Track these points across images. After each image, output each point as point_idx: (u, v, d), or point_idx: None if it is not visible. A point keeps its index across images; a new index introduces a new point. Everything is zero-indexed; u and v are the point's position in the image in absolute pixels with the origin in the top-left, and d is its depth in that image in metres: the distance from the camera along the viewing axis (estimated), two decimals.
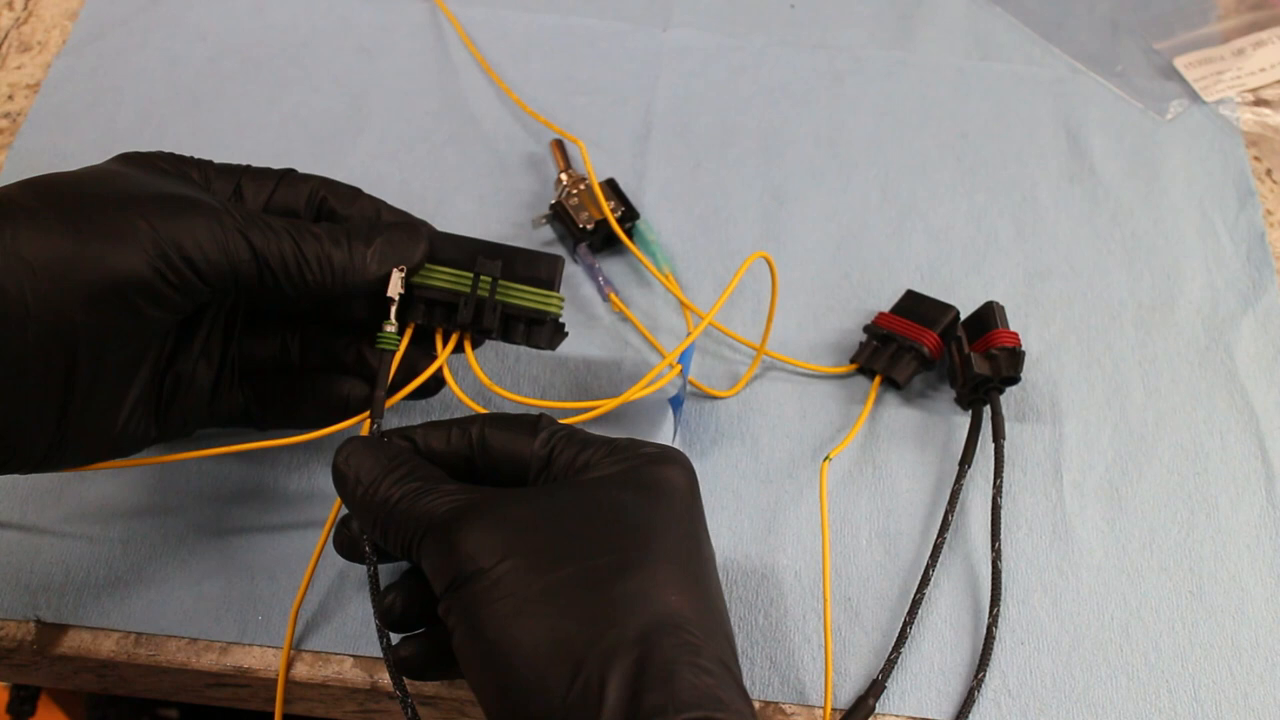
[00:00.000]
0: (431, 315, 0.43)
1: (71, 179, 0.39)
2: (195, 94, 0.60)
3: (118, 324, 0.37)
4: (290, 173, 0.44)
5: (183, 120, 0.58)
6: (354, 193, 0.44)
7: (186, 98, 0.59)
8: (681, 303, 0.52)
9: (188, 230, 0.37)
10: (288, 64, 0.61)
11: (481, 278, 0.43)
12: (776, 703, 0.44)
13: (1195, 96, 0.63)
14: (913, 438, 0.50)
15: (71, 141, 0.57)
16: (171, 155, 0.42)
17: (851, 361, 0.52)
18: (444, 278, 0.42)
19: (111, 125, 0.58)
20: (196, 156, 0.43)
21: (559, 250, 0.55)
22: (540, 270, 0.43)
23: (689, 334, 0.53)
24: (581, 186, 0.54)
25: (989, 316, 0.51)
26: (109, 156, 0.55)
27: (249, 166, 0.44)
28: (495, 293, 0.43)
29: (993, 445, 0.49)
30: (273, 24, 0.63)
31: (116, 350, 0.38)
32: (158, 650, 0.43)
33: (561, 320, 0.44)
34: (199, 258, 0.37)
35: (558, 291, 0.43)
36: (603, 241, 0.53)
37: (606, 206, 0.53)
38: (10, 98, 0.59)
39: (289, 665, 0.43)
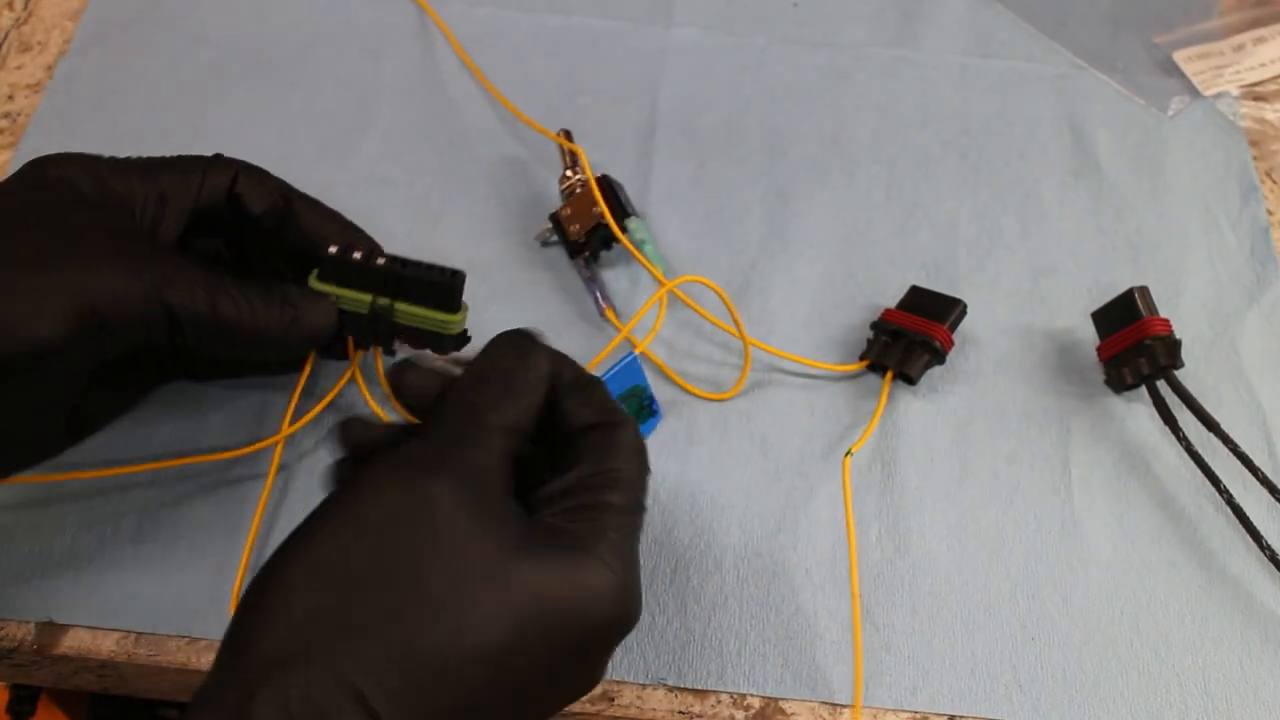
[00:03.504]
0: (343, 326, 0.44)
1: None
2: (199, 96, 0.59)
3: (25, 379, 0.37)
4: (215, 164, 0.43)
5: (186, 122, 0.58)
6: (262, 176, 0.44)
7: (190, 99, 0.59)
8: (666, 289, 0.52)
9: (105, 292, 0.36)
10: (291, 66, 0.61)
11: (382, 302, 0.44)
12: (776, 699, 0.44)
13: (1194, 92, 0.63)
14: (920, 434, 0.50)
15: (75, 144, 0.56)
16: (87, 160, 0.41)
17: (861, 359, 0.52)
18: (350, 303, 0.43)
19: (115, 127, 0.58)
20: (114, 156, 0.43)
21: (561, 258, 0.55)
22: (434, 299, 0.44)
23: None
24: (578, 190, 0.53)
25: (1133, 304, 0.50)
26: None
27: (171, 162, 0.43)
28: (394, 317, 0.44)
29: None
30: (276, 26, 0.63)
31: (26, 393, 0.38)
32: (158, 650, 0.43)
33: (464, 329, 0.45)
34: (115, 322, 0.37)
35: (457, 313, 0.44)
36: (601, 242, 0.53)
37: (606, 209, 0.52)
38: (10, 98, 0.59)
39: None
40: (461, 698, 0.30)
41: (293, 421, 0.46)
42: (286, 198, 0.45)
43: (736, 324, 0.50)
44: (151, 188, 0.42)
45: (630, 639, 0.44)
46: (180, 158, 0.43)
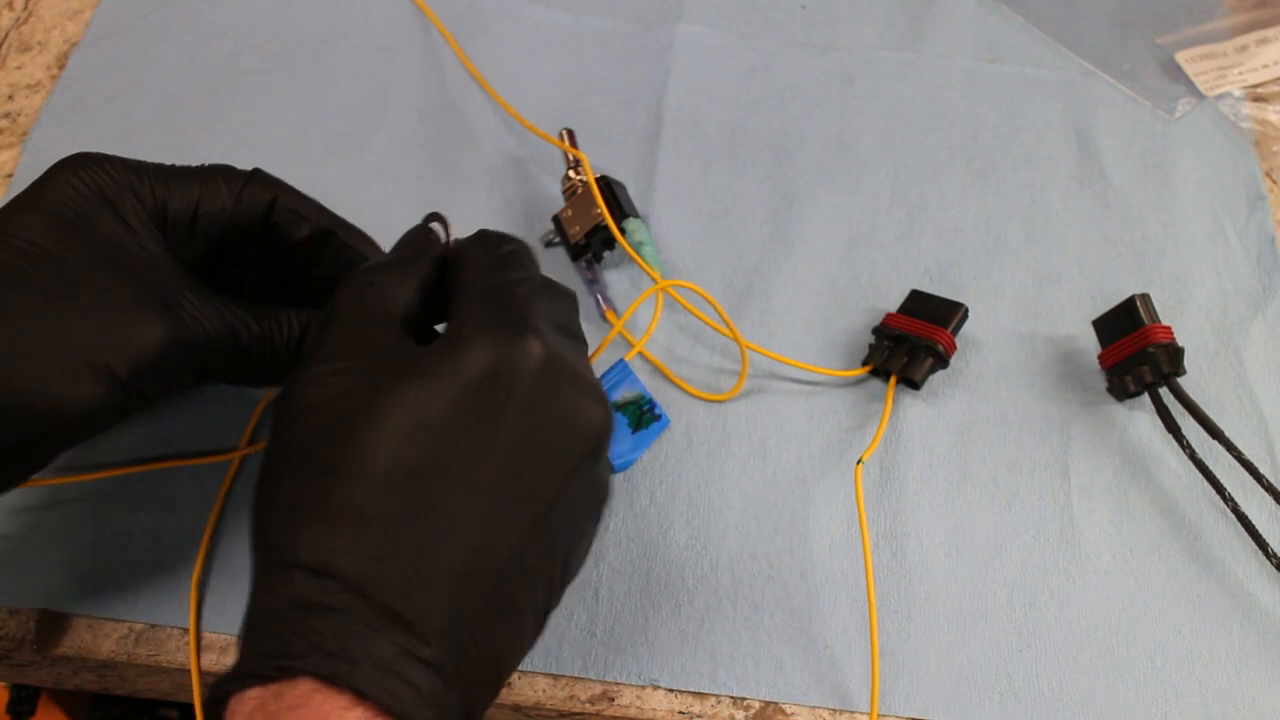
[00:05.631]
0: None
1: (15, 269, 0.36)
2: (213, 88, 0.60)
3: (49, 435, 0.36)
4: (253, 180, 0.42)
5: (201, 114, 0.59)
6: (303, 202, 0.43)
7: (205, 91, 0.60)
8: (657, 288, 0.52)
9: (129, 354, 0.36)
10: (306, 60, 0.61)
11: None
12: (777, 703, 0.44)
13: (1197, 93, 0.63)
14: (920, 439, 0.50)
15: (89, 133, 0.57)
16: (116, 165, 0.39)
17: (865, 364, 0.52)
18: None
19: (130, 118, 0.58)
20: (160, 163, 0.41)
21: (564, 259, 0.55)
22: None
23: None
24: (579, 191, 0.53)
25: (1135, 311, 0.50)
26: (126, 149, 0.55)
27: (205, 173, 0.41)
28: None
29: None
30: (292, 20, 0.63)
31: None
32: (158, 650, 0.43)
33: None
34: (140, 382, 0.36)
35: None
36: (602, 243, 0.53)
37: (606, 211, 0.52)
38: (10, 98, 0.59)
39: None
40: (397, 510, 0.32)
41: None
42: (327, 228, 0.43)
43: (731, 330, 0.50)
44: (183, 201, 0.40)
45: (623, 639, 0.44)
46: (215, 168, 0.41)
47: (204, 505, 0.46)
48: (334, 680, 0.29)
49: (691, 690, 0.44)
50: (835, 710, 0.44)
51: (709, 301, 0.50)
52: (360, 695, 0.29)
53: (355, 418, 0.32)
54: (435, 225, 0.40)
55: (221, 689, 0.30)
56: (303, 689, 0.29)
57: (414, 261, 0.38)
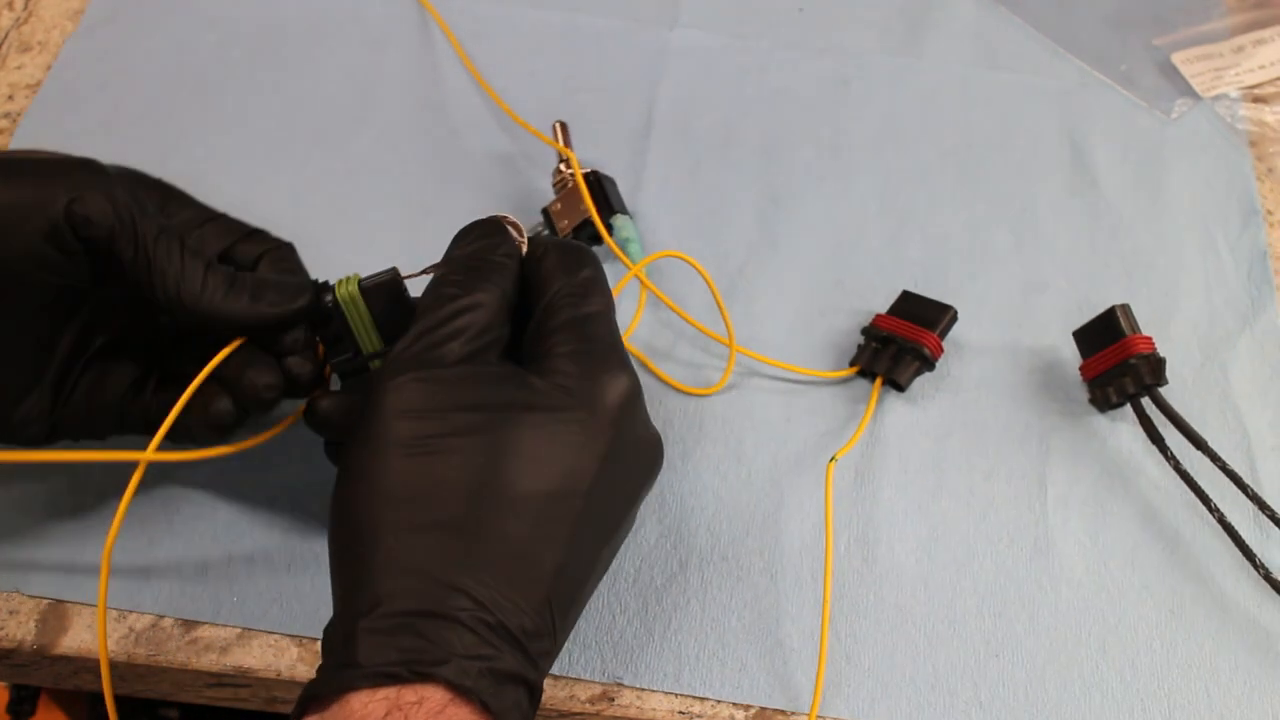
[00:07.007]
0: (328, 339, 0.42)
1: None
2: (202, 79, 0.60)
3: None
4: (256, 234, 0.43)
5: (189, 105, 0.59)
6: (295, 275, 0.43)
7: (194, 83, 0.60)
8: (653, 294, 0.52)
9: (75, 207, 0.36)
10: (296, 54, 0.62)
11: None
12: (765, 708, 0.43)
13: (1194, 94, 0.63)
14: (897, 445, 0.50)
15: (78, 121, 0.58)
16: (155, 181, 0.42)
17: (851, 364, 0.51)
18: (360, 328, 0.41)
19: (119, 107, 0.58)
20: (179, 187, 0.43)
21: None
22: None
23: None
24: (569, 185, 0.53)
25: (1115, 322, 0.50)
26: (115, 138, 0.57)
27: (224, 216, 0.43)
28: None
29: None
30: (282, 13, 0.63)
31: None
32: (158, 650, 0.43)
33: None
34: (84, 222, 0.36)
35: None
36: (590, 238, 0.53)
37: (593, 208, 0.52)
38: (10, 98, 0.59)
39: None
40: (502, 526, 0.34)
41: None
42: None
43: (721, 312, 0.51)
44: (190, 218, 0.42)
45: (589, 636, 0.44)
46: (230, 218, 0.43)
47: (202, 506, 0.46)
48: (465, 691, 0.31)
49: (659, 689, 0.43)
50: (801, 715, 0.43)
51: (701, 274, 0.50)
52: (485, 708, 0.31)
53: (484, 443, 0.34)
54: (509, 228, 0.41)
55: (336, 684, 0.31)
56: (439, 696, 0.31)
57: (499, 277, 0.39)
